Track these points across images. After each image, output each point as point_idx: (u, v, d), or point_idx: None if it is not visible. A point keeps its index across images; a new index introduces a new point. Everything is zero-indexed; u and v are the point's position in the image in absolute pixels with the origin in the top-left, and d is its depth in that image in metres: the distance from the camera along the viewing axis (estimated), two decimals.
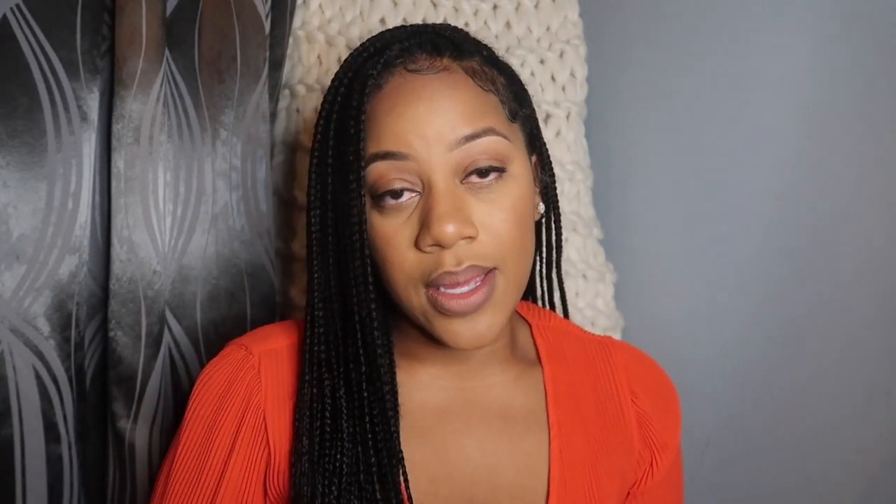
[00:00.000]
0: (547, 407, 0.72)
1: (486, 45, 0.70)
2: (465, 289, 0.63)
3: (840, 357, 0.90)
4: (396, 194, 0.63)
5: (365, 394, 0.65)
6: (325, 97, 0.68)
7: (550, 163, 0.74)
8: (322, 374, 0.67)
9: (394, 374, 0.68)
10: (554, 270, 0.78)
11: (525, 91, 0.71)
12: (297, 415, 0.68)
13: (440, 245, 0.62)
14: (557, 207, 0.76)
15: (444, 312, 0.63)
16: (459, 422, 0.70)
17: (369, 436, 0.64)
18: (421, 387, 0.70)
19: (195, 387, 0.70)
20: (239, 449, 0.67)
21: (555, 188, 0.75)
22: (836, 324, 0.90)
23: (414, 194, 0.64)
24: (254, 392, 0.68)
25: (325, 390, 0.66)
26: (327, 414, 0.66)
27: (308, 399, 0.67)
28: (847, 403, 0.89)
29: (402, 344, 0.71)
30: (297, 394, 0.68)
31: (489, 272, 0.64)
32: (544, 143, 0.73)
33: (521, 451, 0.70)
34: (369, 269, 0.64)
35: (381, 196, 0.64)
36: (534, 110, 0.72)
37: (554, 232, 0.77)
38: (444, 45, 0.67)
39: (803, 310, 0.93)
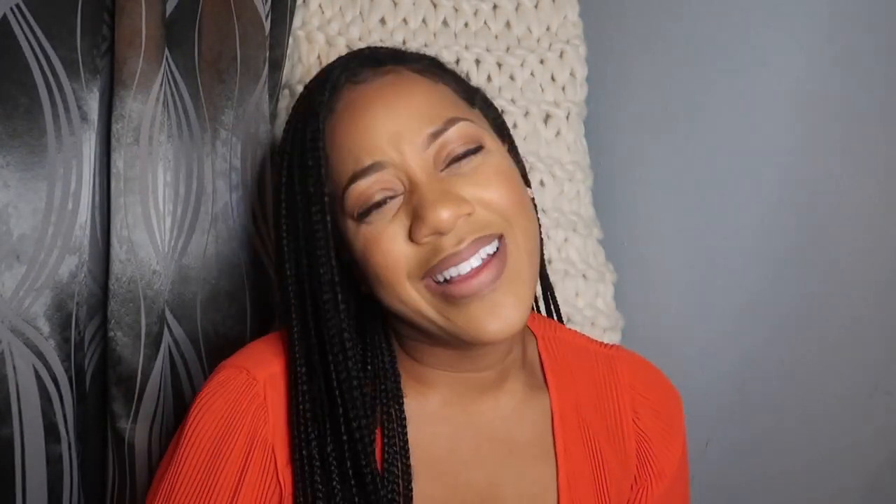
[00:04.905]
0: (553, 432, 0.70)
1: (428, 56, 0.70)
2: (473, 264, 0.60)
3: (840, 357, 0.90)
4: (380, 205, 0.62)
5: (348, 456, 0.63)
6: (280, 145, 0.67)
7: (519, 153, 0.73)
8: (309, 435, 0.64)
9: (404, 426, 0.65)
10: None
11: (473, 90, 0.71)
12: (293, 466, 0.65)
13: (439, 232, 0.59)
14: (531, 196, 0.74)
15: (459, 299, 0.60)
16: (469, 452, 0.68)
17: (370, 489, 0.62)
18: (431, 418, 0.68)
19: (192, 413, 0.65)
20: (246, 486, 0.64)
21: (527, 178, 0.73)
22: (836, 324, 0.90)
23: (396, 197, 0.62)
24: (260, 424, 0.65)
25: (314, 451, 0.64)
26: (317, 478, 0.63)
27: (299, 458, 0.64)
28: (847, 403, 0.89)
29: (412, 369, 0.69)
30: (291, 456, 0.65)
31: (499, 244, 0.61)
32: (511, 134, 0.72)
33: (527, 481, 0.69)
34: (347, 334, 0.63)
35: (367, 212, 0.62)
36: (494, 106, 0.72)
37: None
38: (384, 55, 0.68)
39: (803, 309, 0.93)
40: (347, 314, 0.64)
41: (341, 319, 0.63)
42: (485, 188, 0.62)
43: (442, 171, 0.62)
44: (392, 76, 0.65)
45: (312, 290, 0.64)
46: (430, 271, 0.61)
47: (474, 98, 0.68)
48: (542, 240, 0.74)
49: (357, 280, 0.67)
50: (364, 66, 0.66)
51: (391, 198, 0.62)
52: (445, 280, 0.61)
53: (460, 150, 0.62)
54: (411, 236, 0.61)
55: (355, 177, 0.62)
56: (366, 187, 0.61)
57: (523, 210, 0.64)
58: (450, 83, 0.67)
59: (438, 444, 0.68)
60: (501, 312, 0.60)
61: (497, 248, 0.62)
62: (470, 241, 0.60)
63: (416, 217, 0.60)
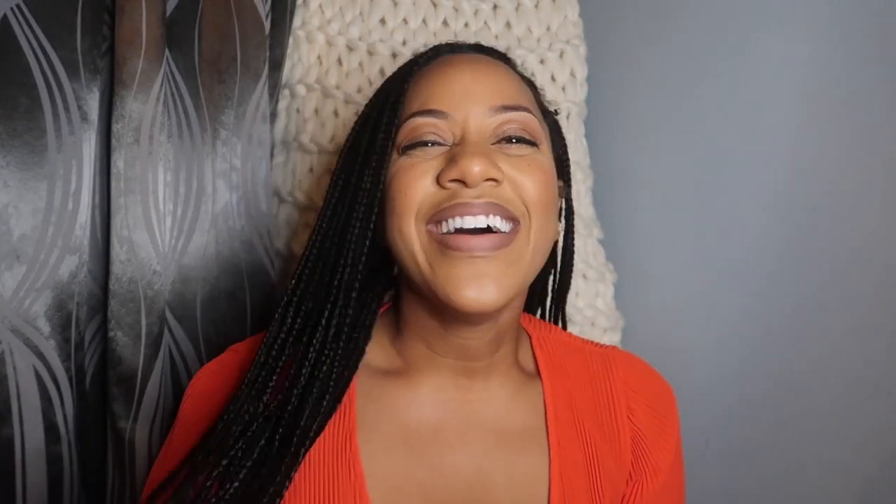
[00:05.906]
0: (547, 425, 0.71)
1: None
2: (479, 223, 0.62)
3: (840, 357, 0.90)
4: (424, 144, 0.65)
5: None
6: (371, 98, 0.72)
7: (571, 200, 0.77)
8: (293, 325, 0.67)
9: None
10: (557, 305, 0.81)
11: (551, 112, 0.75)
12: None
13: (464, 181, 0.61)
14: (572, 241, 0.78)
15: (453, 251, 0.61)
16: (456, 438, 0.69)
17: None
18: (421, 401, 0.69)
19: (190, 388, 0.70)
20: None
21: (573, 223, 0.77)
22: (835, 323, 0.90)
23: (443, 147, 0.65)
24: None
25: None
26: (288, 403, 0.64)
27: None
28: (847, 403, 0.89)
29: (408, 348, 0.71)
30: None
31: (513, 226, 0.63)
32: (570, 175, 0.76)
33: (516, 470, 0.69)
34: (365, 259, 0.65)
35: (412, 146, 0.65)
36: (563, 138, 0.75)
37: (561, 269, 0.79)
38: (485, 50, 0.72)
39: (803, 309, 0.93)
40: (366, 258, 0.66)
41: (364, 245, 0.65)
42: (522, 173, 0.64)
43: (493, 143, 0.65)
44: (486, 57, 0.70)
45: (347, 219, 0.66)
46: (438, 213, 0.62)
47: (547, 115, 0.72)
48: (552, 269, 0.80)
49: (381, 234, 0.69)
50: (464, 51, 0.71)
51: (437, 143, 0.65)
52: (448, 232, 0.62)
53: (518, 133, 0.65)
54: (438, 178, 0.63)
55: (415, 114, 0.65)
56: (419, 124, 0.65)
57: (547, 213, 0.65)
58: (535, 93, 0.72)
59: (425, 426, 0.69)
60: (483, 284, 0.61)
61: (508, 232, 0.63)
62: (487, 201, 0.62)
63: (449, 161, 0.63)
